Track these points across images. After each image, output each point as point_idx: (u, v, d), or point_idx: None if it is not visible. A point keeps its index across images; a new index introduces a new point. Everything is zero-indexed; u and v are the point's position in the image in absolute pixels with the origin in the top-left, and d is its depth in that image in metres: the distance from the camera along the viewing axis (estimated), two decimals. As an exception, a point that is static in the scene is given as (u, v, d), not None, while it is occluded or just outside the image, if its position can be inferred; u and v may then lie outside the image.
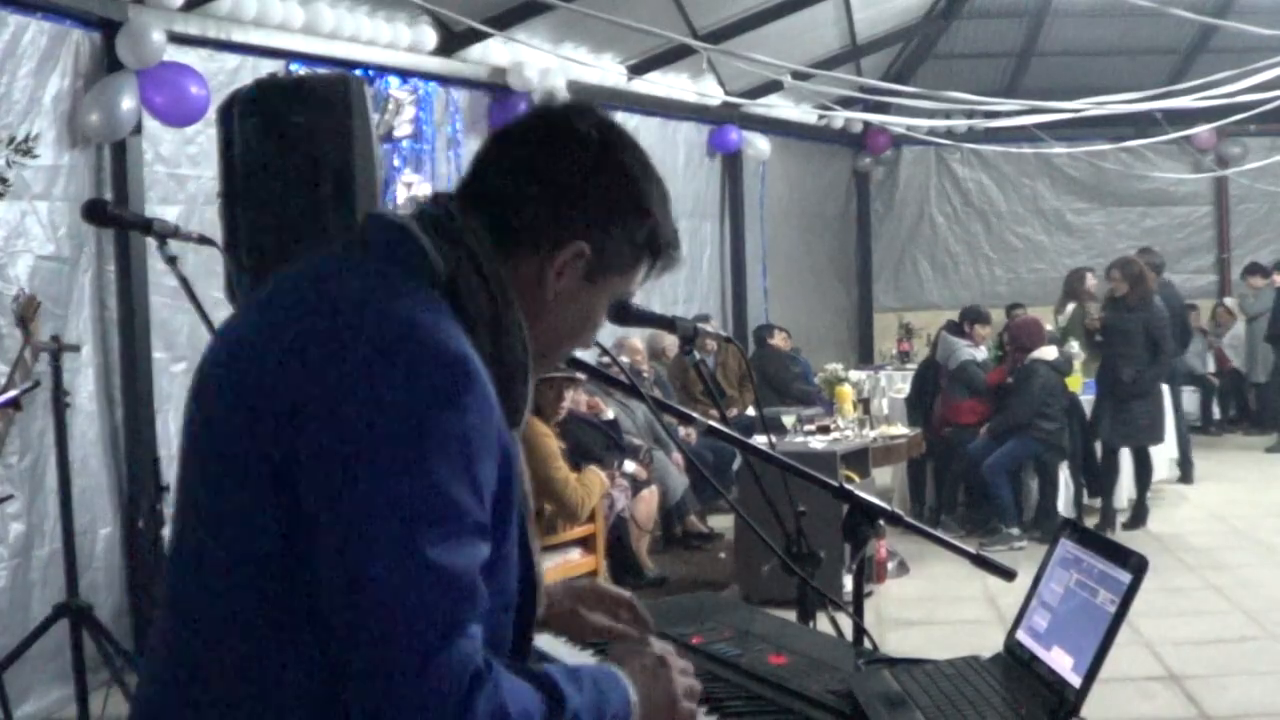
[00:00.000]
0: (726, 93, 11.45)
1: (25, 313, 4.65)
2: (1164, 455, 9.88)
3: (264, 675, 1.44)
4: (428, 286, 1.50)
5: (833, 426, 7.92)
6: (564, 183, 1.57)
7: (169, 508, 5.92)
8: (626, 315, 2.26)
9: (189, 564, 1.52)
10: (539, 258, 1.58)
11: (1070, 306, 11.57)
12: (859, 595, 2.49)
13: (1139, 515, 8.72)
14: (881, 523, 2.37)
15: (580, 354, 2.06)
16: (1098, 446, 8.78)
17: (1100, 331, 8.75)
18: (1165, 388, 8.97)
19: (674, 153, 11.32)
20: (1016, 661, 2.03)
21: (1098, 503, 8.96)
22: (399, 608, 1.34)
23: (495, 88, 8.90)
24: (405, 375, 1.39)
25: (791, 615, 2.45)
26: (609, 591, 2.01)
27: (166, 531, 6.06)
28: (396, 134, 8.01)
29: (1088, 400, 8.97)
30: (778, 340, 11.14)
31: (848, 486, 2.40)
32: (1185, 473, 10.19)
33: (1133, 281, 8.55)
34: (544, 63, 8.92)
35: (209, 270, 5.18)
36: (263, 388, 1.43)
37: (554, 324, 1.62)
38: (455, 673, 1.35)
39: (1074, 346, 9.68)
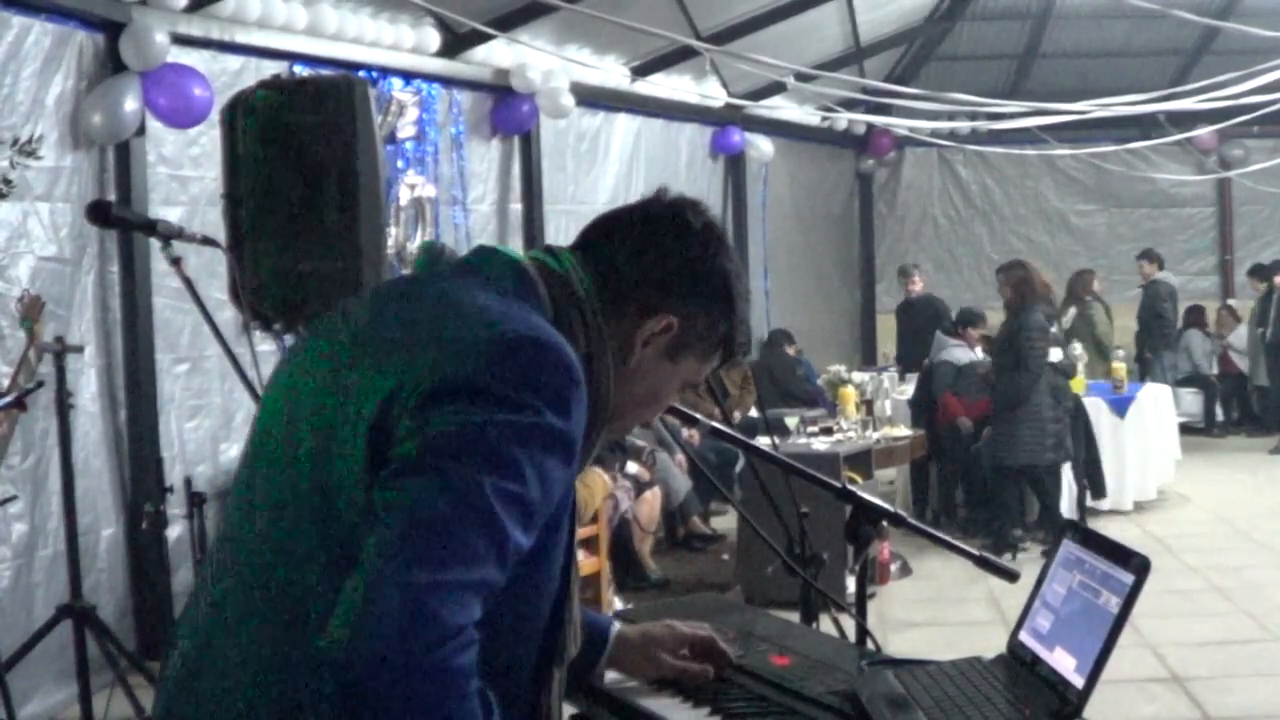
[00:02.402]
0: (729, 94, 11.45)
1: (30, 314, 4.66)
2: (1168, 456, 9.90)
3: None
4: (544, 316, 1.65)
5: (836, 428, 7.92)
6: (669, 262, 1.73)
7: (171, 509, 5.94)
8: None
9: (270, 511, 1.59)
10: (633, 321, 1.71)
11: (1072, 309, 11.61)
12: (862, 596, 2.49)
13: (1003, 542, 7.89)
14: (884, 524, 2.38)
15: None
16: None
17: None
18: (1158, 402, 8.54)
19: (676, 154, 11.32)
20: (1019, 662, 2.03)
21: (1101, 504, 8.95)
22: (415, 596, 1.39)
23: (498, 89, 8.90)
24: (524, 372, 1.50)
25: (794, 616, 2.45)
26: (686, 634, 2.09)
27: (170, 532, 6.08)
28: (399, 135, 8.01)
29: (1089, 401, 8.97)
30: (790, 348, 11.19)
31: (850, 488, 2.40)
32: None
33: (1014, 285, 8.30)
34: (547, 64, 8.92)
35: (212, 271, 5.19)
36: (398, 378, 1.51)
37: (629, 391, 1.73)
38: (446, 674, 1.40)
39: (1077, 349, 9.69)
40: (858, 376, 8.59)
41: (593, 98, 9.81)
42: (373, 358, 1.56)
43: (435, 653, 1.37)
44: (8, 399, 4.29)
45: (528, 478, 1.47)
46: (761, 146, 12.18)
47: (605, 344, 1.68)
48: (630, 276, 1.71)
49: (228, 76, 6.60)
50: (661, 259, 1.72)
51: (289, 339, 4.29)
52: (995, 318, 11.40)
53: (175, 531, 6.09)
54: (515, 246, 7.66)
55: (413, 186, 8.08)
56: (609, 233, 1.76)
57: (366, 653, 1.36)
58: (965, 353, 9.23)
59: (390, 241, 7.39)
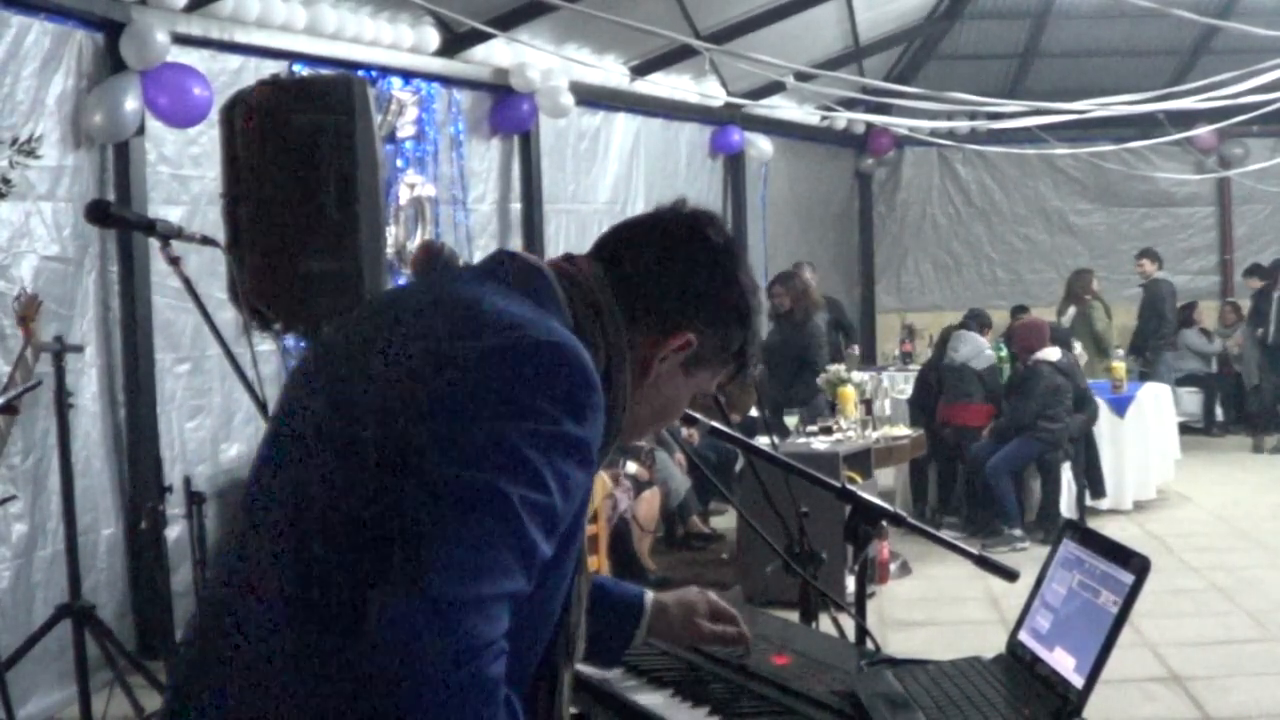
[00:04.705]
0: (729, 94, 11.45)
1: (26, 312, 4.66)
2: (1168, 456, 9.89)
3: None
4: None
5: (835, 427, 7.92)
6: (690, 280, 1.74)
7: (170, 509, 5.94)
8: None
9: (277, 528, 1.59)
10: (653, 339, 1.72)
11: (1071, 309, 11.62)
12: (861, 596, 2.49)
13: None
14: (884, 523, 2.38)
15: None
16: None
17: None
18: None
19: (676, 154, 11.31)
20: (1019, 662, 2.03)
21: (1101, 504, 8.96)
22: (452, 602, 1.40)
23: (498, 89, 8.91)
24: (542, 378, 1.50)
25: (794, 616, 2.46)
26: (720, 605, 2.13)
27: (169, 532, 6.08)
28: (399, 135, 8.01)
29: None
30: None
31: (850, 487, 2.41)
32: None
33: (795, 297, 8.61)
34: (546, 63, 8.92)
35: (212, 271, 5.18)
36: (415, 380, 1.52)
37: (645, 401, 1.75)
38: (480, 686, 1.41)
39: (1076, 348, 9.70)
40: (857, 376, 8.58)
41: (592, 97, 9.81)
42: (391, 360, 1.56)
43: (471, 666, 1.39)
44: (-1, 402, 4.28)
45: (551, 487, 1.48)
46: (761, 146, 12.17)
47: (624, 354, 1.68)
48: (651, 292, 1.72)
49: (227, 76, 6.60)
50: (683, 276, 1.73)
51: (289, 339, 4.30)
52: (1000, 317, 11.45)
53: (175, 531, 6.09)
54: (515, 246, 7.64)
55: (413, 186, 8.08)
56: (629, 244, 1.76)
57: (404, 668, 1.38)
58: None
59: (390, 241, 7.39)
